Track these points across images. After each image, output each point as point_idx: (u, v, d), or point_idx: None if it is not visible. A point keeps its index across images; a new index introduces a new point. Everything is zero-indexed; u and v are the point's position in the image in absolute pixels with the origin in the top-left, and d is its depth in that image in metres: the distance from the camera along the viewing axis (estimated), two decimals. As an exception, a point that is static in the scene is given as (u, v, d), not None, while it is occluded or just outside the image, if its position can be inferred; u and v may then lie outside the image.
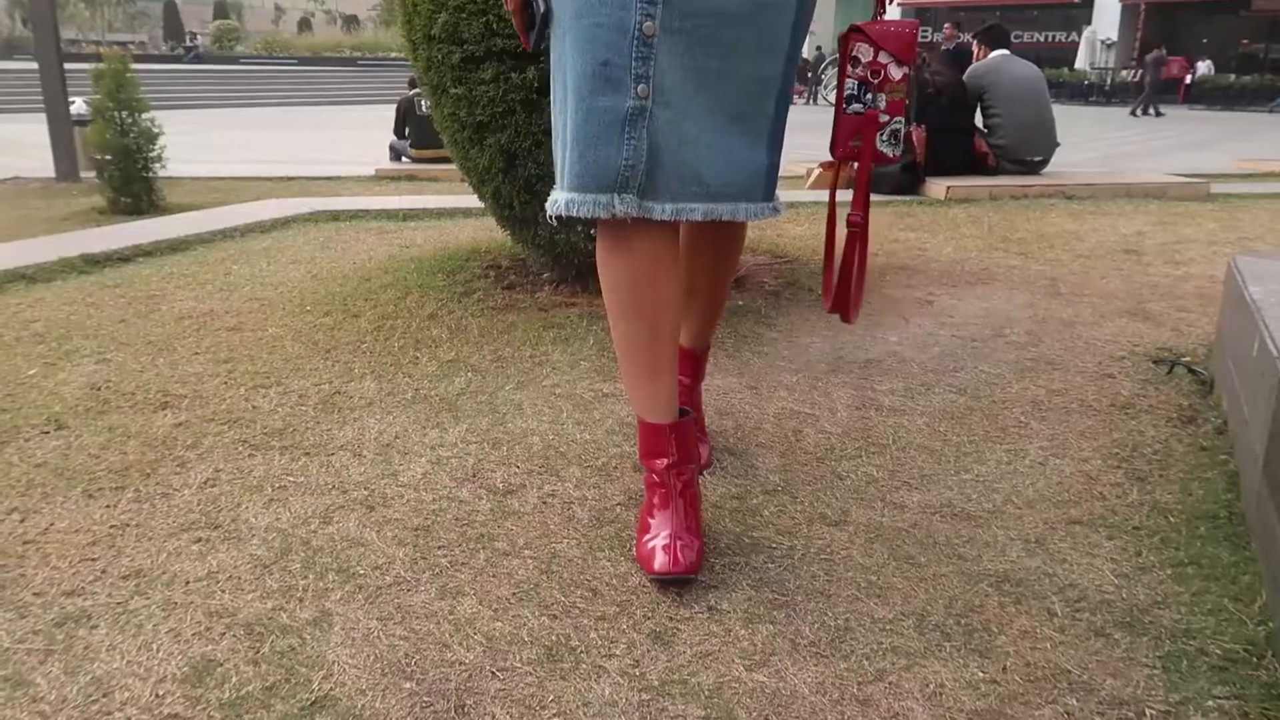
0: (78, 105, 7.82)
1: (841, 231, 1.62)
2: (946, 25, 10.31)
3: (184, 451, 1.88)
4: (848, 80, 1.54)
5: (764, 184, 1.46)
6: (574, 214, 1.35)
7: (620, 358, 1.51)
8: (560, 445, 1.92)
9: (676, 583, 1.41)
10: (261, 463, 1.83)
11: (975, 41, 6.18)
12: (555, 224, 1.64)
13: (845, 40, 1.54)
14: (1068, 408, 2.14)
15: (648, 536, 1.46)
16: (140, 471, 1.79)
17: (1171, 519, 1.63)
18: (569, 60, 1.35)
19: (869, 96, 1.53)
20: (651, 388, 1.48)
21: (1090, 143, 13.53)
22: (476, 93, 2.72)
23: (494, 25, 2.62)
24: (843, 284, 1.64)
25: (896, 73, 1.52)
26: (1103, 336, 2.70)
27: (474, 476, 1.78)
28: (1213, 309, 2.92)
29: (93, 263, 3.55)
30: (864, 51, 1.52)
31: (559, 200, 1.37)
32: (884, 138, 1.55)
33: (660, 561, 1.41)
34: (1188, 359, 2.43)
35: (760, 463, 1.85)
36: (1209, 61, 26.03)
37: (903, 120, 1.57)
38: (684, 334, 1.74)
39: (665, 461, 1.49)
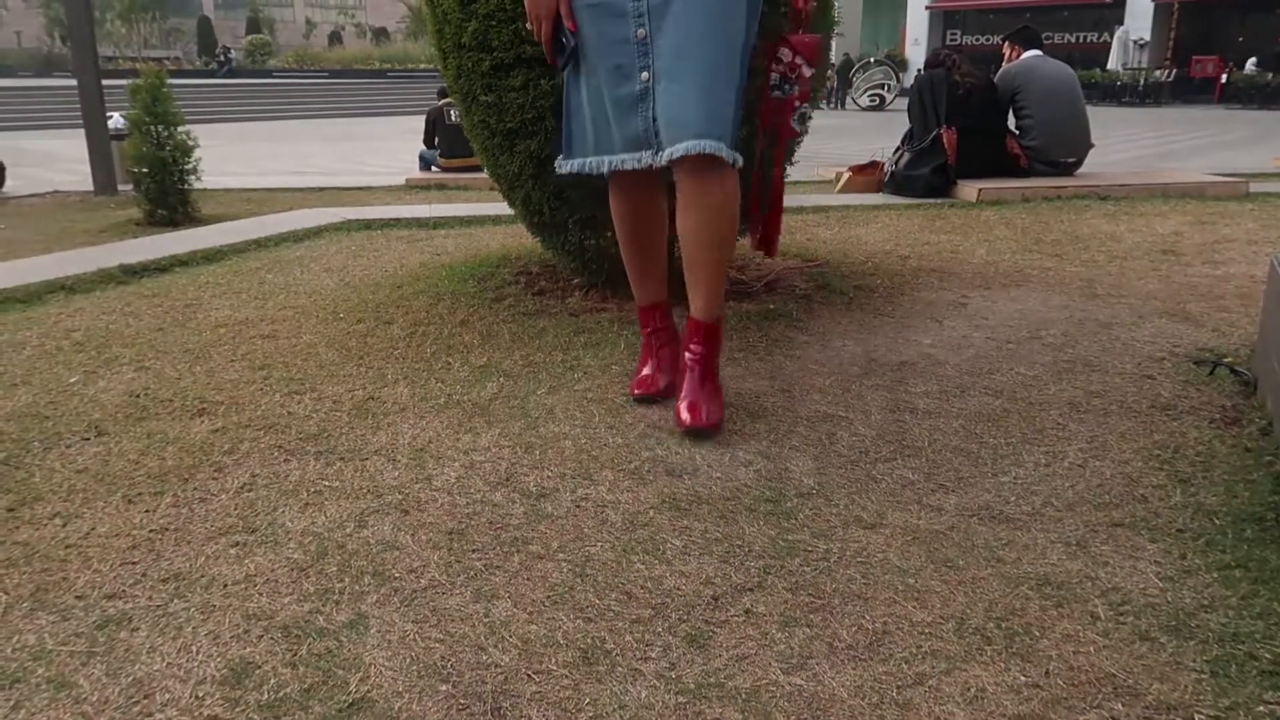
0: (115, 120, 7.96)
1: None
2: (821, 39, 10.09)
3: (221, 457, 1.90)
4: (773, 73, 2.13)
5: (731, 133, 1.90)
6: (603, 169, 2.03)
7: (625, 262, 2.22)
8: (593, 449, 1.92)
9: (648, 401, 2.14)
10: (297, 467, 1.84)
11: (1006, 42, 6.13)
12: (590, 174, 2.10)
13: (773, 45, 2.11)
14: (1107, 409, 2.11)
15: (637, 376, 2.22)
16: (178, 477, 1.81)
17: (1217, 521, 1.59)
18: (590, 61, 1.97)
19: (787, 86, 2.14)
20: (642, 284, 2.23)
21: (1124, 144, 13.36)
22: (506, 100, 2.74)
23: (523, 33, 2.62)
24: (769, 227, 2.30)
25: (808, 71, 2.13)
26: (1141, 338, 2.66)
27: (507, 480, 1.78)
28: (1254, 309, 2.86)
29: (131, 273, 3.61)
30: (785, 54, 2.11)
31: (590, 161, 2.05)
32: (795, 118, 2.20)
33: (641, 389, 2.17)
34: (1230, 359, 2.39)
35: (794, 466, 1.83)
36: (1254, 59, 25.61)
37: (809, 105, 2.26)
38: (691, 305, 2.05)
39: (650, 329, 2.24)
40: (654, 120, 1.91)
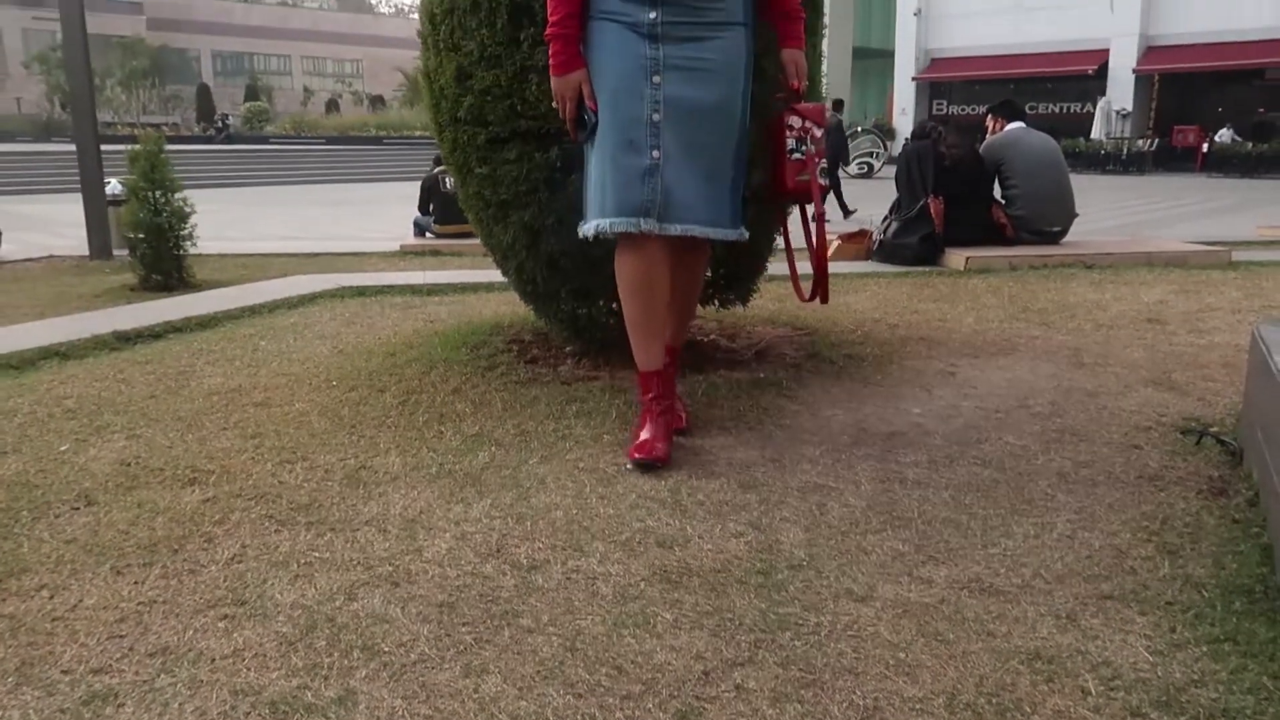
0: (113, 186, 8.04)
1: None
2: (825, 106, 10.62)
3: (211, 527, 1.89)
4: (789, 138, 2.39)
5: (730, 215, 2.29)
6: (615, 230, 2.18)
7: (628, 327, 2.31)
8: (584, 520, 1.92)
9: (649, 466, 2.17)
10: (287, 538, 1.84)
11: (990, 115, 6.27)
12: (589, 240, 2.29)
13: (782, 115, 2.39)
14: (1095, 480, 2.13)
15: (636, 441, 2.24)
16: (168, 547, 1.80)
17: (1205, 594, 1.60)
18: (608, 139, 2.18)
19: (804, 147, 2.41)
20: (646, 347, 2.31)
21: (1109, 211, 13.58)
22: (501, 172, 2.79)
23: (518, 108, 2.69)
24: (821, 276, 2.52)
25: (818, 132, 2.43)
26: (1128, 407, 2.68)
27: (498, 552, 1.78)
28: (1239, 378, 2.90)
29: (124, 339, 3.62)
30: (795, 121, 2.40)
31: (601, 223, 2.19)
32: (820, 172, 2.43)
33: (641, 453, 2.19)
34: (1216, 429, 2.41)
35: (785, 537, 1.84)
36: (1230, 129, 26.19)
37: (826, 161, 2.50)
38: (668, 334, 2.34)
39: (652, 395, 2.30)
40: (659, 194, 2.15)
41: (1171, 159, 27.79)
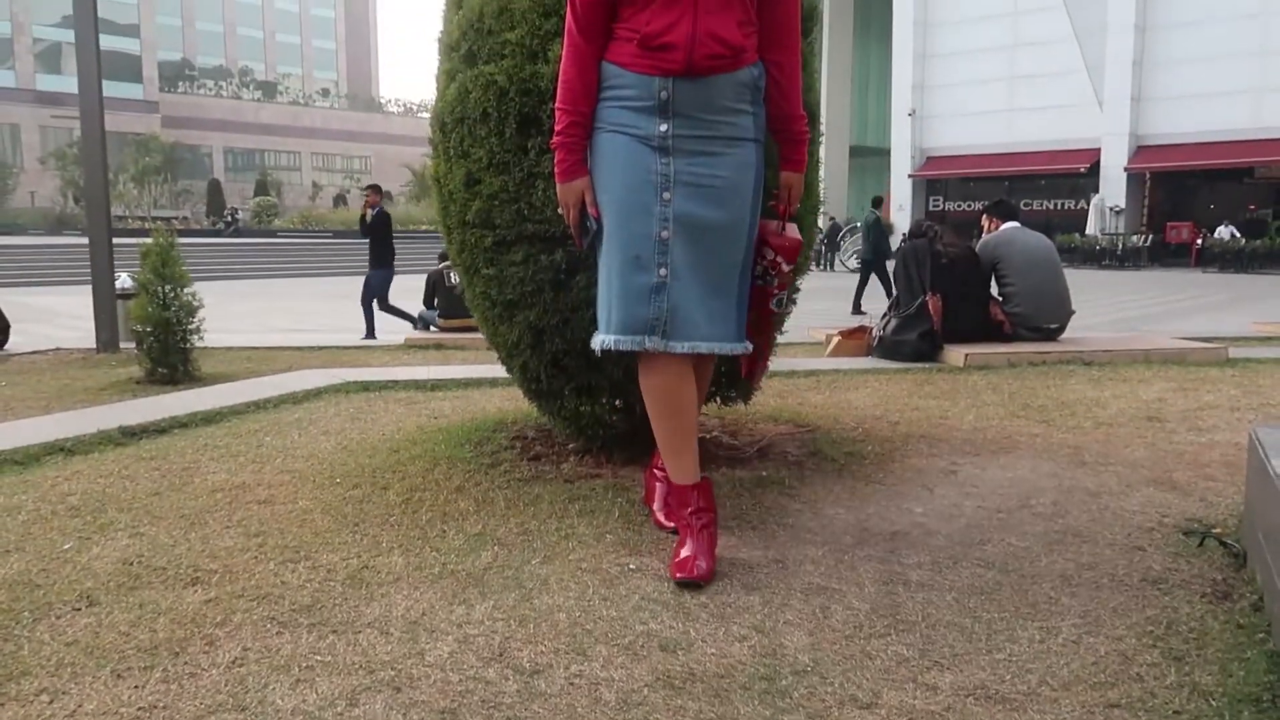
0: (123, 279, 8.17)
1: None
2: (369, 191, 11.26)
3: (213, 629, 1.89)
4: (758, 264, 2.37)
5: (735, 329, 2.27)
6: (621, 347, 2.18)
7: (658, 442, 2.32)
8: (586, 622, 1.91)
9: (693, 585, 2.08)
10: (289, 641, 1.83)
11: (985, 215, 6.41)
12: (599, 354, 2.31)
13: (758, 244, 2.34)
14: (1098, 582, 2.12)
15: (677, 558, 2.16)
16: (169, 650, 1.80)
17: (1213, 703, 1.59)
18: (615, 254, 2.19)
19: (769, 278, 2.39)
20: (678, 461, 2.29)
21: (1106, 306, 13.74)
22: (507, 273, 2.86)
23: (524, 212, 2.77)
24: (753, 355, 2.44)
25: (786, 268, 2.40)
26: (1130, 507, 2.69)
27: (500, 656, 1.77)
28: (1240, 477, 2.90)
29: (130, 434, 3.64)
30: (768, 253, 2.37)
31: (607, 339, 2.20)
32: (775, 302, 2.44)
33: (682, 572, 2.11)
34: (1218, 530, 2.41)
35: (789, 641, 1.83)
36: (1231, 226, 26.65)
37: (785, 294, 2.56)
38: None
39: (691, 509, 2.23)
40: (665, 311, 2.15)
41: (1166, 254, 28.25)
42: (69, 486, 2.95)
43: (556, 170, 2.25)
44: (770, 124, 2.31)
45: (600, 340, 2.22)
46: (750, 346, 2.32)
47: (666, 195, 2.15)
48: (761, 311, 2.41)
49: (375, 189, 11.31)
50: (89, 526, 2.55)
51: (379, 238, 10.69)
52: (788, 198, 2.37)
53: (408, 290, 14.79)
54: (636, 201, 2.16)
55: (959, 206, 33.84)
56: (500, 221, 2.82)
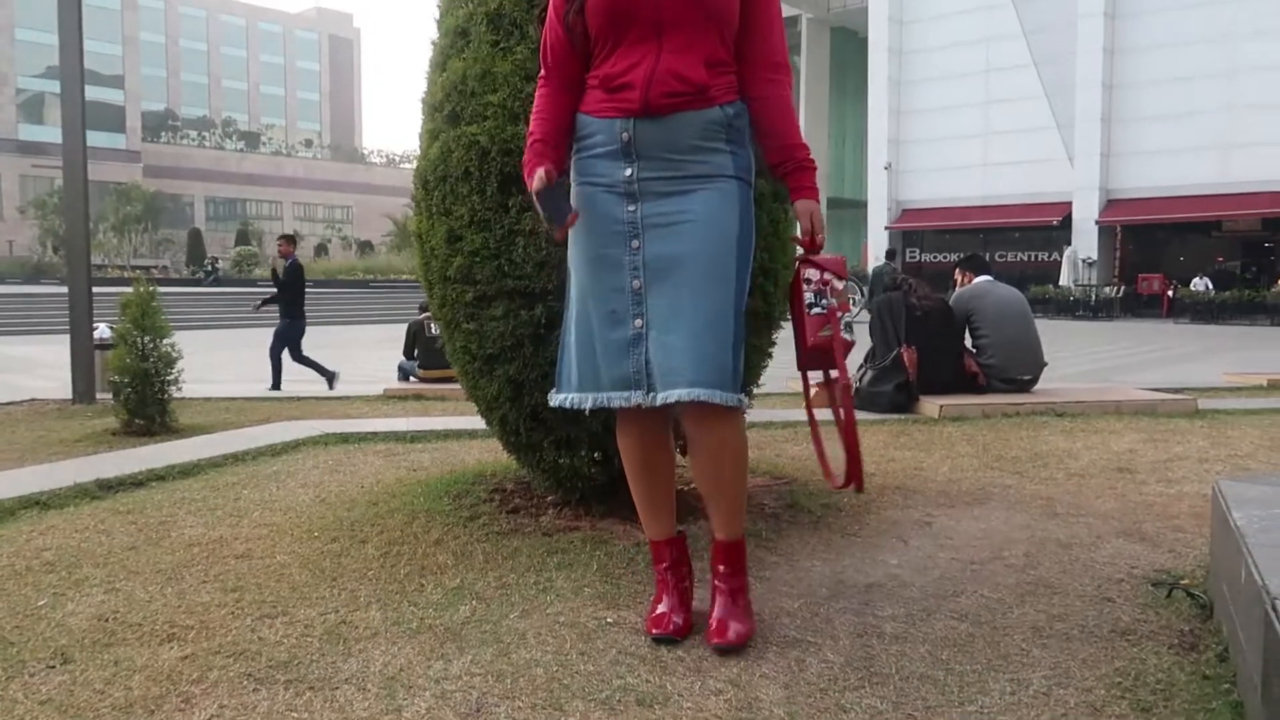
0: (101, 330, 8.15)
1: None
2: (280, 241, 11.28)
3: (189, 686, 1.88)
4: (806, 292, 2.21)
5: (730, 379, 2.04)
6: (605, 405, 2.11)
7: (635, 498, 2.26)
8: (564, 677, 1.92)
9: (668, 641, 2.08)
10: (266, 698, 1.83)
11: (958, 269, 6.53)
12: (588, 416, 2.33)
13: (801, 266, 2.23)
14: (1069, 634, 2.15)
15: (653, 613, 2.16)
16: (144, 708, 1.79)
17: (1179, 753, 1.61)
18: (592, 309, 2.13)
19: (825, 301, 2.22)
20: (653, 517, 2.25)
21: (1080, 356, 13.92)
22: (487, 328, 2.90)
23: (505, 268, 2.82)
24: (851, 458, 2.29)
25: (839, 284, 2.25)
26: (1100, 559, 2.73)
27: (478, 711, 1.78)
28: (1207, 529, 2.95)
29: (106, 487, 3.63)
30: (813, 274, 2.23)
31: (599, 396, 2.12)
32: (843, 326, 2.25)
33: (657, 628, 2.10)
34: (1186, 581, 2.46)
35: (764, 694, 1.85)
36: (1206, 279, 27.13)
37: (850, 314, 2.31)
38: (713, 526, 2.21)
39: (665, 564, 2.22)
40: (646, 364, 2.06)
41: (1139, 305, 28.71)
42: (44, 541, 2.93)
43: (524, 174, 2.14)
44: (771, 159, 2.20)
45: (572, 399, 2.15)
46: (747, 401, 2.15)
47: (635, 244, 2.08)
48: (828, 344, 2.21)
49: (288, 239, 11.09)
50: (64, 582, 2.53)
51: (292, 289, 10.49)
52: (810, 226, 2.22)
53: (386, 339, 14.83)
54: (607, 255, 2.10)
55: (935, 258, 34.31)
56: (481, 277, 2.87)
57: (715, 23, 2.08)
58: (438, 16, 3.11)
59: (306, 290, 10.80)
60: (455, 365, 3.16)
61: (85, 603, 2.37)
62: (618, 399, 2.10)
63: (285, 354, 10.24)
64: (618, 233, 2.10)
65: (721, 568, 2.16)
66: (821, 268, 2.23)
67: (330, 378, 10.03)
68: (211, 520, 3.18)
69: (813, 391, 6.26)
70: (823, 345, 2.22)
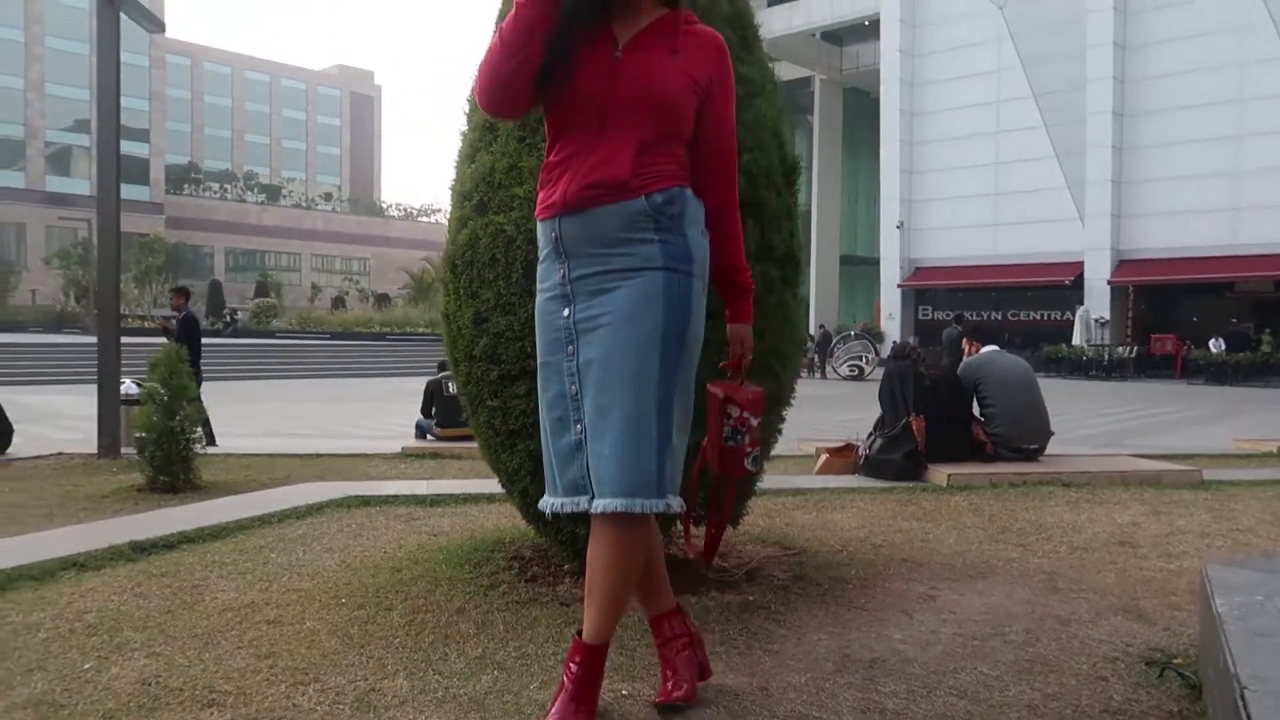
0: (127, 386, 8.35)
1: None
2: (171, 294, 10.82)
3: (230, 752, 2.00)
4: (726, 425, 2.26)
5: (656, 485, 2.01)
6: (563, 511, 2.11)
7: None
8: (582, 748, 2.03)
9: (672, 710, 2.20)
10: (302, 764, 1.95)
11: (965, 338, 6.68)
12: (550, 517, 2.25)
13: (721, 401, 2.24)
14: (1063, 713, 2.25)
15: (662, 687, 2.27)
16: (190, 772, 1.91)
17: (1161, 833, 1.71)
18: (545, 416, 2.16)
19: (739, 437, 2.26)
20: (647, 601, 2.35)
21: (1091, 418, 13.96)
22: (510, 405, 3.05)
23: (529, 350, 2.97)
24: (712, 540, 2.44)
25: (754, 422, 2.27)
26: (1098, 636, 2.83)
27: (501, 781, 1.89)
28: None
29: (139, 549, 3.77)
30: (734, 410, 2.25)
31: (553, 501, 2.14)
32: (750, 461, 2.31)
33: (662, 698, 2.23)
34: (1179, 661, 2.55)
35: (771, 768, 1.95)
36: (1221, 340, 27.15)
37: (759, 449, 2.38)
38: (584, 621, 2.14)
39: (662, 639, 2.32)
40: (587, 470, 2.04)
41: (1152, 365, 28.70)
42: (85, 604, 3.07)
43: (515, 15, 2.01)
44: (714, 275, 2.19)
45: (546, 503, 2.16)
46: (676, 505, 2.05)
47: (571, 349, 2.07)
48: (734, 471, 2.30)
49: (181, 292, 10.51)
50: (106, 645, 2.67)
51: (187, 345, 10.30)
52: (740, 351, 2.28)
53: (404, 392, 15.03)
54: (551, 362, 2.12)
55: (947, 316, 34.48)
56: (505, 357, 3.03)
57: (660, 117, 2.05)
58: (467, 110, 3.32)
59: (204, 346, 10.08)
60: (479, 438, 3.32)
61: (128, 666, 2.50)
62: (569, 505, 2.08)
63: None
64: (558, 339, 2.10)
65: (574, 666, 2.10)
66: (741, 406, 2.24)
67: (209, 438, 9.35)
68: (242, 584, 3.32)
69: (822, 459, 6.37)
70: (724, 472, 2.30)
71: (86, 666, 2.50)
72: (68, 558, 3.59)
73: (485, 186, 3.09)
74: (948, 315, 34.28)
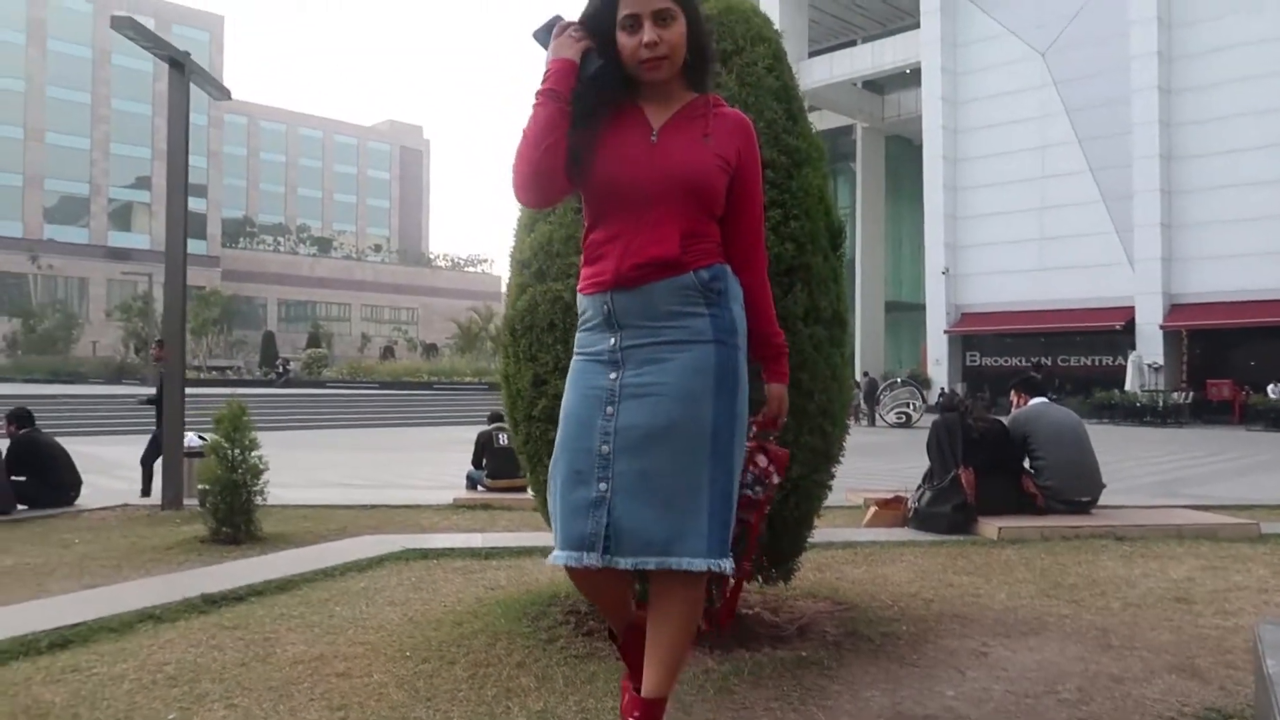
0: (190, 439, 8.62)
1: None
2: (154, 345, 10.38)
3: (310, 801, 2.11)
4: (748, 473, 2.30)
5: (705, 545, 2.07)
6: (559, 564, 2.13)
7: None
8: (643, 802, 2.10)
9: None
10: (378, 814, 2.04)
11: (1012, 390, 6.69)
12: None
13: (754, 449, 2.32)
14: (1117, 772, 2.28)
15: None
16: (274, 821, 2.02)
17: None
18: (560, 467, 2.17)
19: (759, 488, 2.33)
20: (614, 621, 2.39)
21: (1147, 466, 13.73)
22: (568, 464, 3.16)
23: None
24: (727, 609, 2.45)
25: (776, 479, 2.35)
26: (1152, 695, 2.84)
27: (568, 833, 1.97)
28: (1260, 666, 3.04)
29: (211, 602, 3.92)
30: (761, 460, 2.34)
31: (556, 554, 2.14)
32: (766, 514, 2.39)
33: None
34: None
35: (828, 824, 2.01)
36: (1274, 385, 26.56)
37: (769, 508, 2.43)
38: (645, 676, 2.17)
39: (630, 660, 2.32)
40: (607, 527, 2.06)
41: (1209, 411, 28.09)
42: (163, 655, 3.21)
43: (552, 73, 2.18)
44: (749, 346, 2.27)
45: (551, 556, 2.17)
46: (727, 566, 2.09)
47: (610, 410, 2.12)
48: (750, 526, 2.33)
49: (163, 344, 10.21)
50: (187, 696, 2.80)
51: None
52: (776, 411, 2.36)
53: (453, 441, 15.25)
54: (582, 417, 2.15)
55: (995, 362, 34.15)
56: (564, 418, 3.15)
57: (697, 198, 2.17)
58: (527, 181, 3.47)
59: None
60: (536, 496, 3.43)
61: (209, 718, 2.62)
62: (565, 558, 2.10)
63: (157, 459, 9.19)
64: (596, 397, 2.15)
65: None
66: (770, 458, 2.33)
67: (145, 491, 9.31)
68: (310, 637, 3.44)
69: (871, 512, 6.39)
70: (744, 526, 2.30)
71: (170, 718, 2.63)
72: (144, 610, 3.74)
73: (544, 255, 3.24)
74: (996, 361, 33.99)
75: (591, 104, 2.17)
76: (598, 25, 2.19)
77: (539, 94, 2.17)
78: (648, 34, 2.14)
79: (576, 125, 2.16)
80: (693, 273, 2.15)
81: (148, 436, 9.93)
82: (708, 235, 2.20)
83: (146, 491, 9.32)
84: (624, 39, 2.16)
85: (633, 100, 2.24)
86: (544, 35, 2.22)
